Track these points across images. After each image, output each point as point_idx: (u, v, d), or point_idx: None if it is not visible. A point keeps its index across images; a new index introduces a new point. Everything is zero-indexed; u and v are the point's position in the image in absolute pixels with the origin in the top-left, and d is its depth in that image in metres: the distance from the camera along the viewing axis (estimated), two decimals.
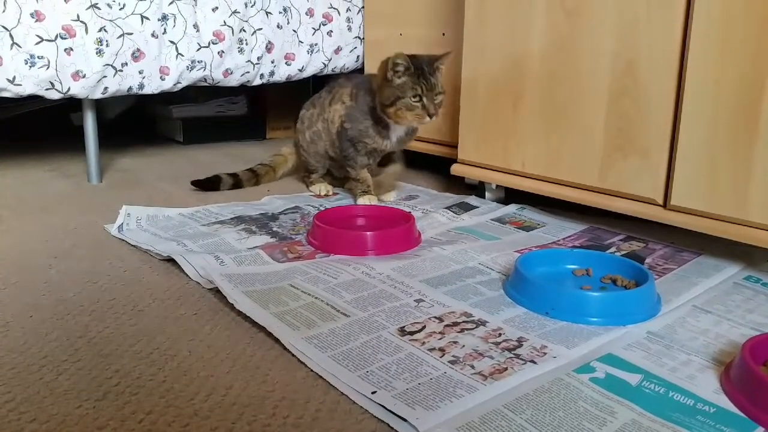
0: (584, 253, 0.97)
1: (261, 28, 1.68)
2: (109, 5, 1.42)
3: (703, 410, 0.61)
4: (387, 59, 1.22)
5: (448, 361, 0.69)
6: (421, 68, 1.20)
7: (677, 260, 1.02)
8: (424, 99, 1.20)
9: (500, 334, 0.76)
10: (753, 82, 0.89)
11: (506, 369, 0.68)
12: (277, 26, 1.71)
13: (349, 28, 1.84)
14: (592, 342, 0.75)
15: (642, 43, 1.02)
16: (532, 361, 0.70)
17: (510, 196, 1.37)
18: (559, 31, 1.14)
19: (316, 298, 0.85)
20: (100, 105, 1.57)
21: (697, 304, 0.86)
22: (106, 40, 1.42)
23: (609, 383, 0.66)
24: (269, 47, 1.70)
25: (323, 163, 1.45)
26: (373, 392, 0.63)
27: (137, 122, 2.18)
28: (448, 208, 1.31)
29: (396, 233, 1.08)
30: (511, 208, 1.31)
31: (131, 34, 1.46)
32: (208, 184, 1.45)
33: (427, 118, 1.22)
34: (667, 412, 0.61)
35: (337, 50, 1.83)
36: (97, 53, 1.41)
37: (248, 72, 1.68)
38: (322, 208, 1.25)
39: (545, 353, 0.72)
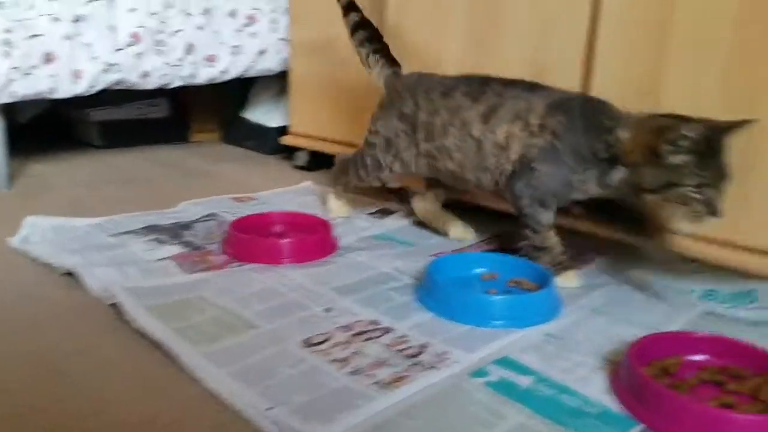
0: (493, 257, 0.99)
1: (181, 29, 1.64)
2: (16, 4, 1.35)
3: (588, 411, 0.64)
4: (662, 123, 0.82)
5: (349, 372, 0.70)
6: (712, 145, 0.80)
7: (581, 262, 1.05)
8: (711, 192, 0.81)
9: (405, 341, 0.77)
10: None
11: (407, 376, 0.69)
12: (198, 27, 1.67)
13: (274, 30, 1.82)
14: (492, 345, 0.77)
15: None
16: (433, 367, 0.71)
17: None
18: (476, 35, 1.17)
19: (223, 310, 0.84)
20: (10, 108, 1.50)
21: (597, 306, 0.89)
22: (14, 42, 1.36)
23: (500, 386, 0.67)
24: (189, 49, 1.66)
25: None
26: (269, 408, 0.63)
27: (52, 126, 2.09)
28: (371, 213, 1.32)
29: (311, 240, 1.08)
30: None
31: (42, 35, 1.40)
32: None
33: (709, 218, 0.81)
34: (555, 413, 0.63)
35: (262, 52, 1.81)
36: (3, 55, 1.35)
37: (167, 74, 1.63)
38: (239, 215, 1.22)
39: (447, 358, 0.73)
